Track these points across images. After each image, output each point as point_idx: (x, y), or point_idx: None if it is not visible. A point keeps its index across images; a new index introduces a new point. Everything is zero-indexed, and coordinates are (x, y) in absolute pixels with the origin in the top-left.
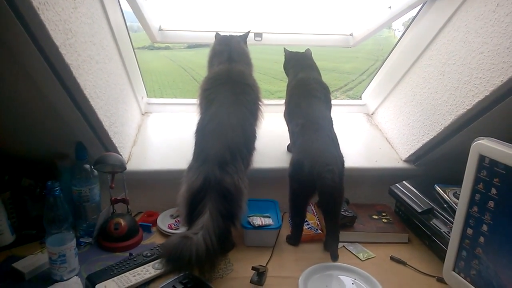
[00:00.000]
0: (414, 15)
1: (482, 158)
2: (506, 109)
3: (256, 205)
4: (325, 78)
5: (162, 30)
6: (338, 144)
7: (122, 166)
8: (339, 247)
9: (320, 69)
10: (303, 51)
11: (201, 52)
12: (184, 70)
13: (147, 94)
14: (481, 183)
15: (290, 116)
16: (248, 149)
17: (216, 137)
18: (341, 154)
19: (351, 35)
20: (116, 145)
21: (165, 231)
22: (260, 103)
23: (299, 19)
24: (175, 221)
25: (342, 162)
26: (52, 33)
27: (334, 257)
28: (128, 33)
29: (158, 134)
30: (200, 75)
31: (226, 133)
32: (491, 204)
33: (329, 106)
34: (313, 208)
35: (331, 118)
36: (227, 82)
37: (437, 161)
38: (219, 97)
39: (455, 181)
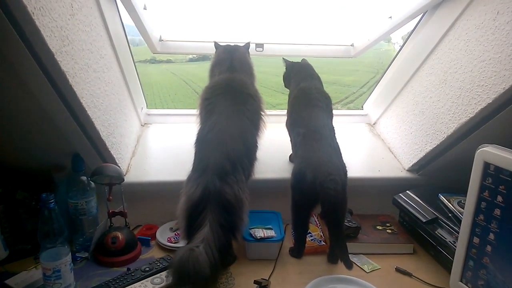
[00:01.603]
0: (413, 28)
1: (487, 165)
2: (509, 116)
3: (258, 216)
4: (327, 91)
5: (162, 40)
6: (341, 154)
7: (120, 177)
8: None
9: None
10: (299, 61)
11: (202, 66)
12: (185, 83)
13: (147, 105)
14: (487, 191)
15: (292, 125)
16: (249, 159)
17: (215, 147)
18: (344, 163)
19: (352, 45)
20: (114, 156)
21: (165, 245)
22: (262, 113)
23: (300, 30)
24: (175, 234)
25: (345, 172)
26: (48, 39)
27: (349, 266)
28: (128, 43)
29: (158, 145)
30: (202, 88)
31: (226, 142)
32: (497, 212)
33: (330, 115)
34: (316, 219)
35: (333, 127)
36: (228, 91)
37: (441, 170)
38: (219, 107)
39: (459, 190)
